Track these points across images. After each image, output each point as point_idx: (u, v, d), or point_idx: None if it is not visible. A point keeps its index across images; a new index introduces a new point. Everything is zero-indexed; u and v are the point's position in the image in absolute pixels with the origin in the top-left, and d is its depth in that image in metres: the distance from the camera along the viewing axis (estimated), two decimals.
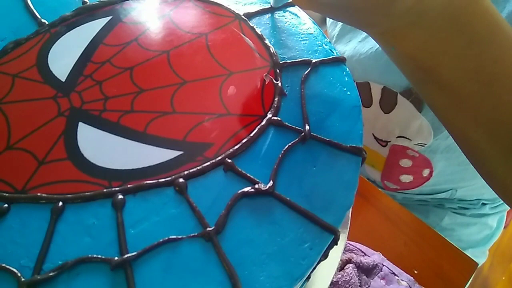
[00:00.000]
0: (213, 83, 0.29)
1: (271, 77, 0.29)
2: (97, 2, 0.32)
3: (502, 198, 0.34)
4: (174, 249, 0.22)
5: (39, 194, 0.23)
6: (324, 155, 0.26)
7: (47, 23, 0.31)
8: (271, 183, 0.24)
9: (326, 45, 0.32)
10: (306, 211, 0.23)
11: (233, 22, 0.32)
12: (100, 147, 0.25)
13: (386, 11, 0.25)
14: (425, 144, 0.49)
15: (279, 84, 0.29)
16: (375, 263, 0.40)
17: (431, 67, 0.28)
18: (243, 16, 0.33)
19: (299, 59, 0.30)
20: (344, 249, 0.40)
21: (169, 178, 0.24)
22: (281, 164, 0.25)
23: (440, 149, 0.49)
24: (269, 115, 0.27)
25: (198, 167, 0.25)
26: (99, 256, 0.21)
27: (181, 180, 0.24)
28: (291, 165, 0.25)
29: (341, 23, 0.54)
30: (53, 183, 0.24)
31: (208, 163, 0.25)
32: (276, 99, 0.28)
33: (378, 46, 0.46)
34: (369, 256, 0.42)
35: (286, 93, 0.29)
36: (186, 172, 0.24)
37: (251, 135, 0.26)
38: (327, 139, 0.26)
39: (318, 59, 0.31)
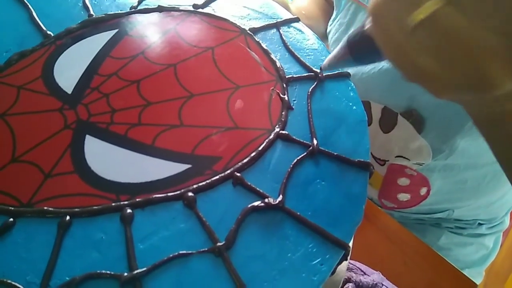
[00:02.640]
0: (220, 96, 0.29)
1: (278, 91, 0.29)
2: (103, 15, 0.32)
3: None
4: (184, 265, 0.22)
5: (45, 208, 0.23)
6: (332, 170, 0.26)
7: (52, 35, 0.31)
8: (280, 197, 0.24)
9: None
10: (316, 225, 0.23)
11: (239, 37, 0.33)
12: (108, 160, 0.25)
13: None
14: (424, 164, 0.49)
15: (286, 98, 0.29)
16: (374, 282, 0.40)
17: None
18: (248, 31, 0.33)
19: (305, 74, 0.31)
20: None
21: (178, 192, 0.24)
22: (290, 178, 0.25)
23: (438, 167, 0.49)
24: (276, 129, 0.27)
25: (207, 181, 0.24)
26: (108, 272, 0.21)
27: (190, 194, 0.24)
28: (300, 180, 0.25)
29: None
30: (59, 197, 0.23)
31: (217, 177, 0.25)
32: (283, 113, 0.28)
33: (380, 66, 0.47)
34: (368, 275, 0.41)
35: (293, 107, 0.29)
36: (195, 186, 0.24)
37: (259, 149, 0.26)
38: (335, 154, 0.26)
39: (324, 74, 0.31)
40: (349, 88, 0.31)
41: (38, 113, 0.27)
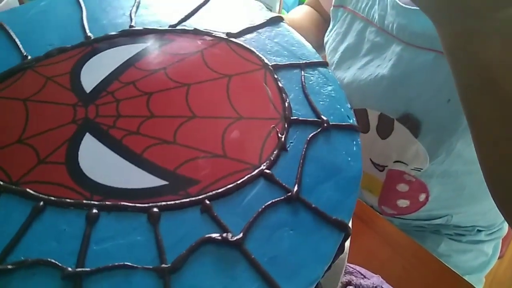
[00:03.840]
0: (220, 123, 0.29)
1: (278, 130, 0.29)
2: (141, 28, 0.35)
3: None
4: (126, 276, 0.22)
5: (27, 189, 0.25)
6: (306, 221, 0.25)
7: (92, 37, 0.34)
8: (240, 235, 0.24)
9: (344, 110, 0.32)
10: (268, 274, 0.23)
11: (259, 71, 0.33)
12: (97, 159, 0.27)
13: (487, 13, 0.24)
14: (422, 169, 0.50)
15: (283, 139, 0.29)
16: (374, 285, 0.41)
17: (495, 78, 0.27)
18: (270, 66, 0.34)
19: (311, 119, 0.30)
20: (344, 272, 0.41)
21: (145, 205, 0.25)
22: (258, 218, 0.25)
23: (436, 173, 0.50)
24: (262, 167, 0.27)
25: (177, 201, 0.25)
26: (56, 262, 0.22)
27: (155, 209, 0.24)
28: (269, 223, 0.25)
29: (340, 51, 0.55)
30: (44, 183, 0.25)
31: (188, 200, 0.25)
32: (275, 152, 0.28)
33: (377, 73, 0.50)
34: (368, 279, 0.42)
35: (288, 149, 0.28)
36: (163, 203, 0.25)
37: (238, 182, 0.26)
38: (313, 205, 0.26)
39: (331, 122, 0.30)
40: (354, 142, 0.30)
41: (55, 104, 0.29)
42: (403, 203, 0.56)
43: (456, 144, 0.46)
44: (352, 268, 0.43)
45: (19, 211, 0.24)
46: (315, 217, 0.25)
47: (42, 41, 0.34)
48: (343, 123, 0.31)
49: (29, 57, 0.32)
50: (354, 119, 0.32)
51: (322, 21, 0.68)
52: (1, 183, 0.25)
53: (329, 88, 0.34)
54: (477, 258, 0.61)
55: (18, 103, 0.29)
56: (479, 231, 0.61)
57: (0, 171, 0.26)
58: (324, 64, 0.36)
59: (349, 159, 0.29)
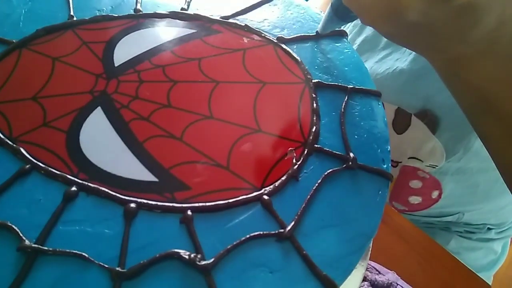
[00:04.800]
0: (235, 131, 0.27)
1: (295, 155, 0.26)
2: (192, 13, 0.33)
3: None
4: (80, 269, 0.20)
5: (20, 148, 0.24)
6: (291, 267, 0.22)
7: (141, 12, 0.33)
8: (211, 261, 0.21)
9: (381, 152, 0.28)
10: None
11: (298, 84, 0.30)
12: (97, 137, 0.25)
13: (462, 37, 0.24)
14: (437, 166, 0.49)
15: (296, 166, 0.25)
16: (389, 281, 0.40)
17: (493, 98, 0.27)
18: (312, 83, 0.30)
19: (337, 152, 0.26)
20: None
21: (125, 197, 0.23)
22: (237, 247, 0.22)
23: (451, 171, 0.50)
24: (263, 191, 0.24)
25: (159, 203, 0.23)
26: (19, 231, 0.21)
27: (133, 205, 0.22)
28: (248, 256, 0.22)
29: (357, 44, 0.54)
30: (39, 146, 0.25)
31: (170, 205, 0.23)
32: (282, 178, 0.25)
33: (395, 67, 0.49)
34: (383, 275, 0.41)
35: (299, 178, 0.25)
36: (143, 201, 0.23)
37: (230, 200, 0.23)
38: (304, 252, 0.22)
39: (359, 162, 0.26)
40: (379, 192, 0.26)
41: (81, 70, 0.29)
42: (415, 199, 0.55)
43: (475, 142, 0.46)
44: (367, 263, 0.41)
45: (5, 169, 0.23)
46: (303, 266, 0.22)
47: (93, 5, 0.33)
48: (374, 167, 0.27)
49: (75, 18, 0.32)
50: (389, 165, 0.28)
51: None
52: (1, 136, 0.25)
53: (372, 123, 0.30)
54: (486, 256, 0.60)
55: (48, 60, 0.29)
56: (489, 229, 0.60)
57: (5, 124, 0.25)
58: (377, 94, 0.32)
59: (367, 210, 0.25)
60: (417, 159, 0.51)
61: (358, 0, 0.27)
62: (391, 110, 0.50)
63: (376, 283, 0.40)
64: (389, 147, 0.29)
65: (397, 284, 0.41)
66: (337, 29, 0.35)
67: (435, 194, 0.53)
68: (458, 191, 0.53)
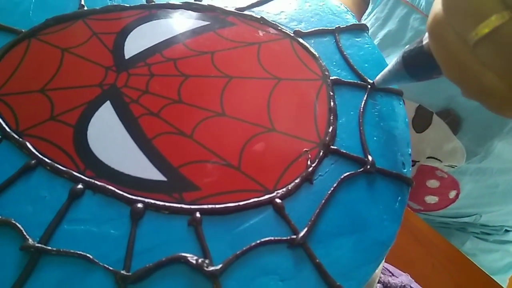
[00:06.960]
0: (248, 129, 0.26)
1: (310, 156, 0.25)
2: (206, 4, 0.32)
3: None
4: (84, 270, 0.20)
5: (26, 143, 0.23)
6: (302, 276, 0.21)
7: (154, 2, 0.32)
8: (219, 267, 0.20)
9: (401, 155, 0.26)
10: None
11: (315, 81, 0.29)
12: (106, 132, 0.25)
13: None
14: (456, 166, 0.48)
15: (310, 168, 0.24)
16: (402, 284, 0.40)
17: None
18: (329, 80, 0.29)
19: (354, 154, 0.25)
20: None
21: (132, 197, 0.22)
22: (247, 253, 0.21)
23: (470, 171, 0.49)
24: (275, 194, 0.23)
25: (166, 203, 0.22)
26: (22, 230, 0.20)
27: (140, 205, 0.22)
28: (258, 263, 0.21)
29: (379, 38, 0.53)
30: (46, 141, 0.24)
31: (178, 206, 0.22)
32: (296, 181, 0.24)
33: None
34: (396, 277, 0.41)
35: (313, 181, 0.24)
36: (151, 201, 0.22)
37: (241, 203, 0.22)
38: (317, 260, 0.21)
39: (377, 166, 0.25)
40: (399, 198, 0.25)
41: (90, 62, 0.28)
42: (431, 199, 0.54)
43: (498, 144, 0.45)
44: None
45: (11, 163, 0.23)
46: (315, 275, 0.21)
47: None
48: (393, 171, 0.25)
49: (85, 8, 0.31)
50: (410, 169, 0.26)
51: (363, 3, 0.65)
52: (7, 129, 0.24)
53: (392, 124, 0.28)
54: (503, 259, 0.59)
55: (57, 51, 0.28)
56: (507, 231, 0.59)
57: (12, 116, 0.25)
58: (398, 93, 0.30)
59: (385, 217, 0.24)
60: (436, 159, 0.50)
61: (486, 86, 0.19)
62: (412, 108, 0.48)
63: (389, 285, 0.39)
64: (410, 150, 0.27)
65: (410, 287, 0.40)
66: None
67: (452, 194, 0.52)
68: (476, 191, 0.52)
